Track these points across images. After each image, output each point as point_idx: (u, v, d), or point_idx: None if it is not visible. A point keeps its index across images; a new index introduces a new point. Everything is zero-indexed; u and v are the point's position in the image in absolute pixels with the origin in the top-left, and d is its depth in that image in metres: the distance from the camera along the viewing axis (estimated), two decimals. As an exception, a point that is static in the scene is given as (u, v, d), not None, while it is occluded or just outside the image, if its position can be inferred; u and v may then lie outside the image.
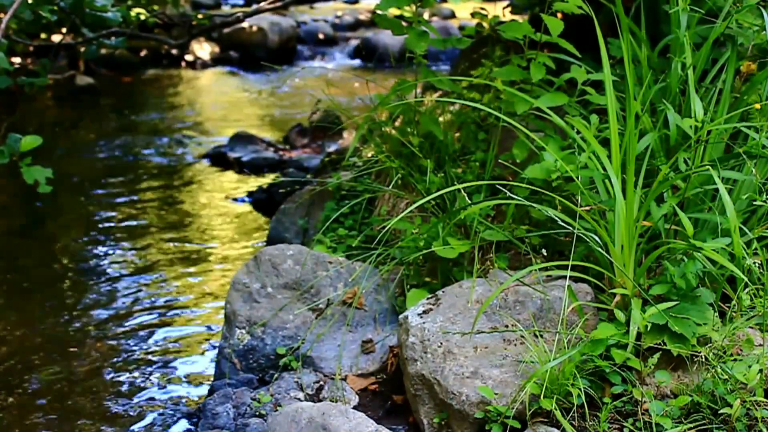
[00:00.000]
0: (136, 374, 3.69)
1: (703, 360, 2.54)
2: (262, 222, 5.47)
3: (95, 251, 5.02)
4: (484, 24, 4.40)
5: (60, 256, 4.95)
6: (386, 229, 3.14)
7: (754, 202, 2.82)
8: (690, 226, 2.66)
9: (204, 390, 3.49)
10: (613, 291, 2.73)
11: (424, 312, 2.92)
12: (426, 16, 11.33)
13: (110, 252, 5.00)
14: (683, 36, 3.17)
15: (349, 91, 4.77)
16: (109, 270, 4.75)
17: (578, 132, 3.06)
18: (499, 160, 3.47)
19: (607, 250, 2.74)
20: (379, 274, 3.39)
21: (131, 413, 3.39)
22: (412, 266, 3.35)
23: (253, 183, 6.24)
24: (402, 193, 3.69)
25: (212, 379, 3.41)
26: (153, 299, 4.41)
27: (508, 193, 2.93)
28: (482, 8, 4.41)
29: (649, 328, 2.57)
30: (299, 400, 3.04)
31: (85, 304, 4.35)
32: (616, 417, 2.55)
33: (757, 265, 2.65)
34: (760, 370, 2.39)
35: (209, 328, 4.11)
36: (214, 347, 3.82)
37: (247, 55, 10.67)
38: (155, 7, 8.19)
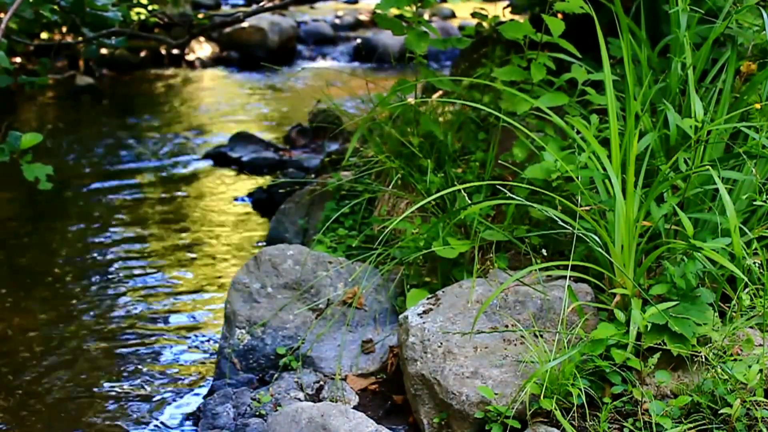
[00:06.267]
0: (135, 374, 3.69)
1: (703, 360, 2.55)
2: (262, 222, 5.47)
3: (95, 251, 5.02)
4: (484, 24, 4.40)
5: (60, 256, 4.95)
6: (387, 229, 3.15)
7: (754, 202, 2.82)
8: (690, 226, 2.66)
9: (204, 390, 3.49)
10: (613, 291, 2.73)
11: (424, 312, 2.92)
12: (426, 16, 11.34)
13: (110, 252, 5.00)
14: (683, 36, 3.17)
15: (349, 91, 4.77)
16: (108, 270, 4.75)
17: (578, 132, 3.06)
18: (499, 160, 3.47)
19: (607, 250, 2.74)
20: (379, 274, 3.39)
21: (131, 413, 3.39)
22: (412, 266, 3.35)
23: (253, 183, 6.24)
24: (402, 193, 3.69)
25: (212, 379, 3.41)
26: (152, 299, 4.40)
27: (508, 193, 2.93)
28: (482, 8, 4.41)
29: (649, 328, 2.57)
30: (299, 400, 3.04)
31: (84, 303, 4.35)
32: (616, 417, 2.55)
33: (757, 265, 2.65)
34: (760, 370, 2.39)
35: (209, 328, 4.11)
36: (214, 347, 3.82)
37: (247, 55, 10.66)
38: (155, 7, 8.19)
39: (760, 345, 2.55)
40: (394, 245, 3.40)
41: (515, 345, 2.74)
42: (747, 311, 2.63)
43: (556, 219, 2.83)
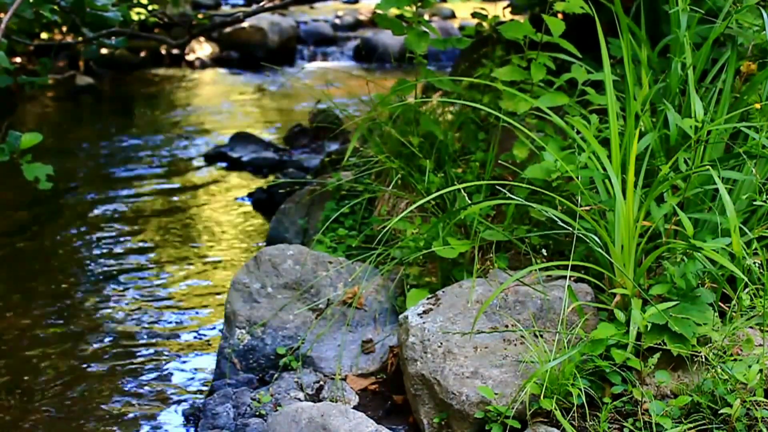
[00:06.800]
0: (135, 374, 3.69)
1: (703, 360, 2.54)
2: (262, 222, 5.47)
3: (95, 251, 5.02)
4: (484, 24, 4.40)
5: (59, 256, 4.95)
6: (386, 229, 3.14)
7: (754, 202, 2.82)
8: (690, 226, 2.66)
9: (204, 390, 3.49)
10: (613, 291, 2.73)
11: (424, 312, 2.92)
12: (426, 16, 11.33)
13: (110, 252, 5.00)
14: (683, 36, 3.17)
15: (349, 91, 4.77)
16: (108, 270, 4.75)
17: (578, 132, 3.06)
18: (499, 161, 3.47)
19: (607, 250, 2.74)
20: (379, 274, 3.39)
21: (131, 413, 3.39)
22: (412, 266, 3.35)
23: (253, 183, 6.24)
24: (402, 193, 3.69)
25: (212, 379, 3.41)
26: (153, 299, 4.41)
27: (508, 194, 2.93)
28: (482, 8, 4.41)
29: (649, 328, 2.57)
30: (299, 400, 3.04)
31: (84, 303, 4.35)
32: (616, 417, 2.55)
33: (757, 265, 2.65)
34: (760, 370, 2.39)
35: (209, 328, 4.11)
36: (214, 347, 3.82)
37: (247, 55, 10.66)
38: (155, 7, 8.20)
39: (760, 345, 2.55)
40: (394, 245, 3.40)
41: (515, 345, 2.74)
42: (747, 311, 2.63)
43: (556, 219, 2.83)
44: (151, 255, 4.96)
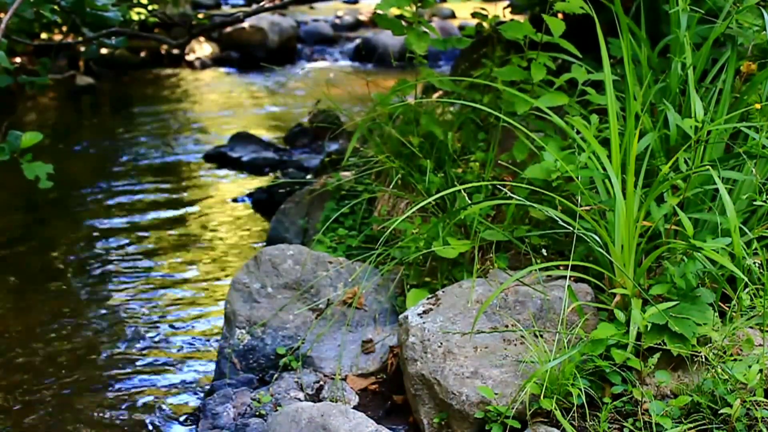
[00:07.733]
0: (135, 374, 3.69)
1: (703, 360, 2.55)
2: (262, 222, 5.47)
3: (95, 251, 5.02)
4: (484, 24, 4.40)
5: (59, 256, 4.95)
6: (387, 229, 3.14)
7: (754, 202, 2.82)
8: (690, 226, 2.66)
9: (204, 390, 3.49)
10: (613, 291, 2.73)
11: (424, 312, 2.92)
12: (426, 16, 11.33)
13: (110, 252, 5.00)
14: (683, 36, 3.17)
15: (349, 91, 4.77)
16: (108, 270, 4.75)
17: (578, 132, 3.06)
18: (499, 161, 3.47)
19: (607, 250, 2.74)
20: (379, 274, 3.39)
21: (131, 413, 3.39)
22: (412, 266, 3.35)
23: (253, 183, 6.24)
24: (402, 193, 3.69)
25: (212, 379, 3.41)
26: (152, 299, 4.41)
27: (508, 193, 2.93)
28: (482, 8, 4.40)
29: (649, 328, 2.57)
30: (299, 400, 3.04)
31: (84, 303, 4.35)
32: (616, 417, 2.55)
33: (757, 265, 2.65)
34: (760, 370, 2.39)
35: (209, 328, 4.11)
36: (214, 347, 3.82)
37: (247, 55, 10.67)
38: (155, 7, 8.20)
39: (760, 345, 2.55)
40: (394, 245, 3.39)
41: (515, 345, 2.74)
42: (747, 311, 2.63)
43: (556, 219, 2.83)
44: (150, 255, 4.96)
